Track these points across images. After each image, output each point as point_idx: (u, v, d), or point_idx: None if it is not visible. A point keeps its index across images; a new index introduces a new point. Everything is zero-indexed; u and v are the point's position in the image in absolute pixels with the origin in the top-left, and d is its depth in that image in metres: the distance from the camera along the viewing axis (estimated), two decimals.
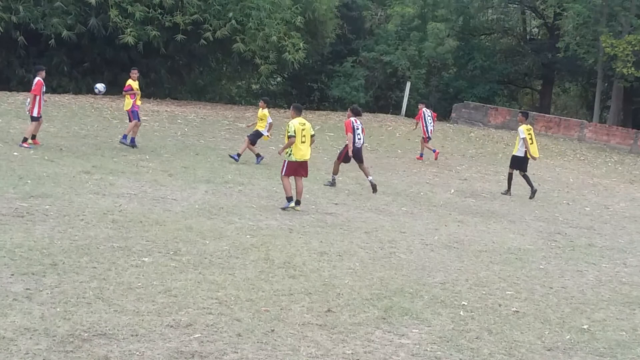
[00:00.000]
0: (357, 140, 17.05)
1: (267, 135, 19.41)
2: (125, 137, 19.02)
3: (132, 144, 18.98)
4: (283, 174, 14.21)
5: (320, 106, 40.86)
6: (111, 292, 8.06)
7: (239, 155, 18.78)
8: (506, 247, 12.69)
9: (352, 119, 17.17)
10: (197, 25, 30.44)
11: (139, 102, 19.29)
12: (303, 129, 14.14)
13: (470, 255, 11.82)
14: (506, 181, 19.20)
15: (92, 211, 11.77)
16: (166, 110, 28.19)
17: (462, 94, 41.46)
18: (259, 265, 9.85)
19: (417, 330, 7.99)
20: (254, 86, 44.25)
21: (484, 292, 9.74)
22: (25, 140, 17.32)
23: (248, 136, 19.33)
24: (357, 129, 17.04)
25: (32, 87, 17.64)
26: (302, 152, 14.13)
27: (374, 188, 16.96)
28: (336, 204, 15.10)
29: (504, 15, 48.26)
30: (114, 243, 10.06)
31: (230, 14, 30.40)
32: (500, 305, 9.24)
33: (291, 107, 15.19)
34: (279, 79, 44.12)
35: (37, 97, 17.47)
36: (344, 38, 40.84)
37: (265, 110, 19.28)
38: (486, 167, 23.69)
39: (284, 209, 13.88)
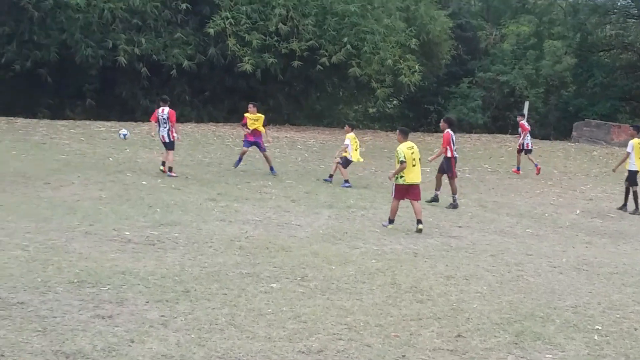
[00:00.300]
0: (455, 152, 17.44)
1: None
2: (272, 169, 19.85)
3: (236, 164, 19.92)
4: (393, 196, 14.45)
5: (437, 128, 40.65)
6: (242, 319, 8.18)
7: (331, 176, 19.42)
8: (638, 269, 12.30)
9: (450, 131, 17.39)
10: (313, 51, 30.76)
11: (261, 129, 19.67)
12: (412, 152, 14.26)
13: (601, 278, 11.50)
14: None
15: (220, 238, 12.00)
16: (286, 136, 28.55)
17: (582, 112, 40.50)
18: (386, 290, 9.83)
19: (550, 356, 7.82)
20: (370, 110, 44.38)
21: (617, 316, 9.46)
22: (170, 169, 17.96)
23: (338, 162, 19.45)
24: (455, 141, 17.39)
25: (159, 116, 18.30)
26: (412, 175, 14.23)
27: (434, 199, 17.38)
28: (460, 226, 14.97)
29: (623, 31, 46.93)
30: (243, 269, 10.22)
31: (345, 39, 30.59)
32: (636, 329, 8.96)
33: (397, 130, 15.26)
34: (395, 101, 44.13)
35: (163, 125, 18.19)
36: (459, 59, 40.58)
37: (351, 134, 19.51)
38: (612, 187, 23.04)
39: (384, 226, 14.17)
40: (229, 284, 9.44)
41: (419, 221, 14.10)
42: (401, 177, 14.22)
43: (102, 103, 31.40)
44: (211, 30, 29.22)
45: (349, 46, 30.63)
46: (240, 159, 19.78)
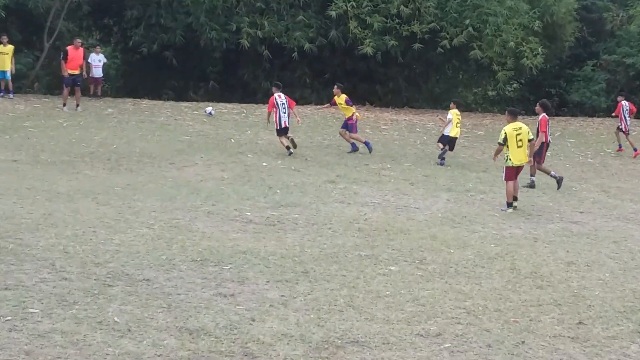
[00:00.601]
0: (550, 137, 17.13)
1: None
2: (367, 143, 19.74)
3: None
4: (504, 179, 14.49)
5: (559, 112, 39.70)
6: (361, 300, 8.25)
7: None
8: None
9: (546, 115, 17.08)
10: (434, 33, 30.41)
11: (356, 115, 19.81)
12: (518, 134, 14.30)
13: None
14: None
15: (339, 220, 12.10)
16: (405, 119, 28.41)
17: None
18: (505, 274, 9.73)
19: None
20: (490, 93, 43.62)
21: None
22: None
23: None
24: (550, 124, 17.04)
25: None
26: (519, 156, 14.31)
27: (531, 185, 16.72)
28: (581, 212, 14.62)
29: None
30: (361, 251, 10.29)
31: (467, 21, 30.12)
32: None
33: (506, 111, 15.37)
34: (515, 85, 43.27)
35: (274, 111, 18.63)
36: (584, 41, 39.41)
37: (455, 110, 19.66)
38: None
39: (503, 210, 14.09)
40: (348, 266, 9.53)
41: (515, 198, 14.30)
42: (507, 159, 14.23)
43: (225, 85, 31.93)
44: (333, 13, 29.23)
45: (470, 28, 30.13)
46: (353, 144, 19.84)
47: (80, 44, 25.02)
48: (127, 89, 32.21)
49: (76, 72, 23.94)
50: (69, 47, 24.34)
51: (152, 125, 22.00)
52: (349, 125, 19.80)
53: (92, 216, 11.24)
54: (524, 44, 30.98)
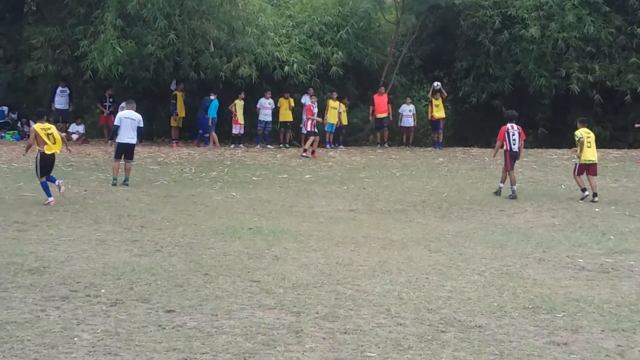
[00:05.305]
0: (512, 146, 18.52)
1: None
2: None
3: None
4: (576, 174, 18.35)
5: None
6: None
7: None
8: None
9: (508, 125, 18.65)
10: None
11: None
12: (588, 137, 18.25)
13: None
14: None
15: None
16: None
17: None
18: None
19: None
20: None
21: None
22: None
23: None
24: (513, 135, 18.55)
25: None
26: (586, 155, 18.13)
27: (498, 193, 18.65)
28: None
29: None
30: None
31: None
32: None
33: (576, 121, 19.15)
34: None
35: None
36: None
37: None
38: None
39: (581, 199, 17.68)
40: None
41: (595, 194, 17.74)
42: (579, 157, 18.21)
43: (554, 131, 31.46)
44: None
45: None
46: None
47: (383, 91, 28.82)
48: (457, 137, 32.80)
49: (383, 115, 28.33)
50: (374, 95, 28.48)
51: (481, 173, 22.25)
52: None
53: (424, 263, 11.59)
54: None
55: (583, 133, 18.29)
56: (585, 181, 18.20)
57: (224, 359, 7.26)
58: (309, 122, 25.52)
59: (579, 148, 18.30)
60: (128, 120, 18.79)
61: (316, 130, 25.72)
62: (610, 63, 29.39)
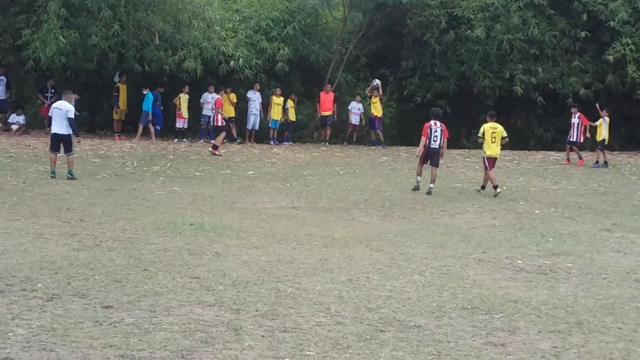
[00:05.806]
0: (432, 142, 19.05)
1: None
2: None
3: None
4: (488, 169, 19.23)
5: None
6: (638, 355, 7.92)
7: None
8: None
9: (432, 122, 19.20)
10: None
11: None
12: (494, 132, 19.17)
13: None
14: None
15: (614, 270, 11.69)
16: None
17: None
18: None
19: None
20: None
21: None
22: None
23: None
24: (435, 131, 19.06)
25: None
26: (491, 149, 19.12)
27: (416, 188, 19.23)
28: None
29: None
30: (639, 303, 9.87)
31: None
32: None
33: (487, 115, 20.25)
34: None
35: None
36: None
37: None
38: None
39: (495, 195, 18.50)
40: (624, 318, 9.18)
41: (483, 187, 19.53)
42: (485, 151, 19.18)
43: None
44: (610, 58, 28.43)
45: None
46: None
47: (330, 88, 29.17)
48: (401, 136, 32.98)
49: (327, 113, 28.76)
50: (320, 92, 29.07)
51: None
52: None
53: (365, 262, 11.62)
54: None
55: (487, 128, 19.30)
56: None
57: (161, 356, 7.18)
58: (219, 116, 24.73)
59: (485, 144, 19.33)
60: (56, 110, 18.56)
61: (224, 124, 24.93)
62: (554, 66, 29.82)
